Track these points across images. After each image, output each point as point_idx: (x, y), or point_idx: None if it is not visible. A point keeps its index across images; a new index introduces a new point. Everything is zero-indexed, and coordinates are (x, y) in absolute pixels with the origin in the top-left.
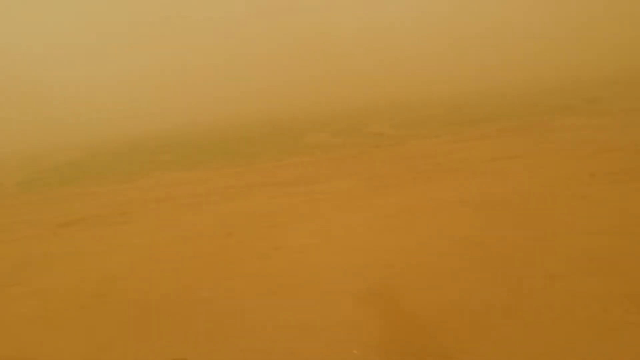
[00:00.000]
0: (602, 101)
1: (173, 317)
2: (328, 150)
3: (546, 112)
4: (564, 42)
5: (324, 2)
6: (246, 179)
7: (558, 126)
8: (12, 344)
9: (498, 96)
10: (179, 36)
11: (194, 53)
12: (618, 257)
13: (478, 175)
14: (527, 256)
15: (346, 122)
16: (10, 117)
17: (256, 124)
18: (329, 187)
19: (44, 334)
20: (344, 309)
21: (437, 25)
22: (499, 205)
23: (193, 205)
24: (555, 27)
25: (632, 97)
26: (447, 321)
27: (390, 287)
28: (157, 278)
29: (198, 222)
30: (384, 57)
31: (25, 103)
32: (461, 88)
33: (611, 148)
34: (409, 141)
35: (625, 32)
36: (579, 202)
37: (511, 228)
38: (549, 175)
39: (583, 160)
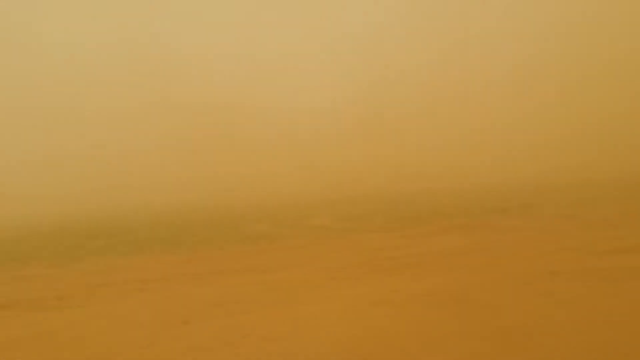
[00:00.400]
0: (534, 206)
1: None
2: (272, 241)
3: (484, 214)
4: (496, 147)
5: (263, 93)
6: (192, 267)
7: (498, 227)
8: None
9: (433, 195)
10: (113, 114)
11: (127, 133)
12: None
13: (435, 270)
14: (505, 353)
15: (285, 213)
16: None
17: (191, 212)
18: (285, 276)
19: None
20: None
21: (376, 123)
22: (465, 300)
23: (137, 292)
24: (486, 131)
25: (561, 203)
26: None
27: None
28: None
29: (148, 308)
30: (320, 151)
31: None
32: (396, 186)
33: (555, 249)
34: (352, 234)
35: (554, 140)
36: (546, 300)
37: (481, 323)
38: (508, 272)
39: (535, 260)
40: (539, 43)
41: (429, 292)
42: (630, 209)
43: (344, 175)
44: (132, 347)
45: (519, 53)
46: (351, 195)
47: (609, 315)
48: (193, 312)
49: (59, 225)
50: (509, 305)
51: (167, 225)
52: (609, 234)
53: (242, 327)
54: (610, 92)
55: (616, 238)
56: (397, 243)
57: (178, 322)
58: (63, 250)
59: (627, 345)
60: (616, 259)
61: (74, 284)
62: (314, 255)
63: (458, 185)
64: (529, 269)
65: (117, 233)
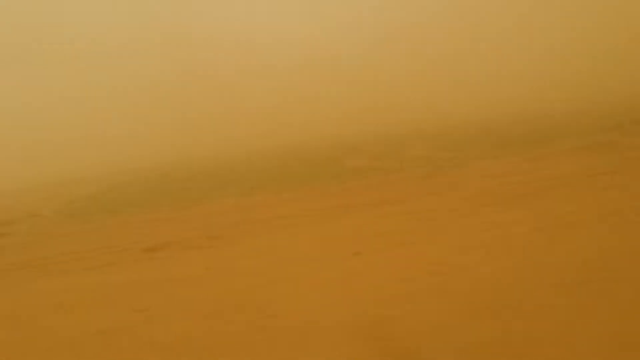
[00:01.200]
0: None
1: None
2: (382, 173)
3: (603, 132)
4: (602, 63)
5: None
6: (321, 202)
7: (621, 145)
8: None
9: (547, 117)
10: (230, 63)
11: (240, 82)
12: None
13: (586, 191)
14: None
15: (379, 146)
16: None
17: (285, 151)
18: (426, 205)
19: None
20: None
21: (479, 45)
22: None
23: (285, 227)
24: (587, 49)
25: None
26: None
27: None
28: (288, 300)
29: (305, 243)
30: (408, 81)
31: (38, 131)
32: (493, 112)
33: None
34: (467, 162)
35: None
36: None
37: None
38: None
39: None
40: None
41: (605, 212)
42: None
43: (419, 105)
44: (304, 281)
45: None
46: (446, 124)
47: None
48: (360, 244)
49: (161, 170)
50: None
51: (273, 165)
52: None
53: (417, 258)
54: None
55: None
56: (522, 168)
57: (349, 253)
58: (184, 193)
59: None
60: None
61: (218, 223)
62: (438, 184)
63: (561, 105)
64: None
65: (228, 174)
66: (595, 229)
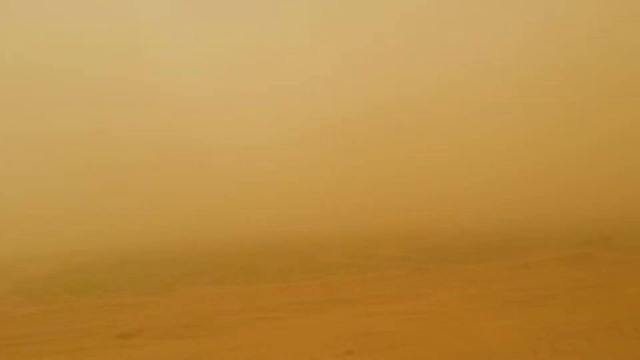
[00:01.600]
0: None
1: None
2: (361, 271)
3: (587, 245)
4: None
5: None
6: (299, 296)
7: (601, 259)
8: None
9: (520, 229)
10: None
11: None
12: None
13: (579, 302)
14: None
15: (354, 244)
16: None
17: (254, 242)
18: (411, 307)
19: None
20: None
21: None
22: None
23: (267, 320)
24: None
25: None
26: None
27: None
28: None
29: (291, 337)
30: (379, 184)
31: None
32: (465, 220)
33: None
34: (447, 266)
35: None
36: None
37: None
38: None
39: None
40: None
41: (602, 325)
42: None
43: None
44: None
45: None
46: (409, 229)
47: None
48: (350, 343)
49: (122, 255)
50: None
51: (243, 256)
52: None
53: None
54: None
55: None
56: (505, 275)
57: (341, 352)
58: (148, 280)
59: None
60: None
61: (191, 312)
62: (420, 285)
63: (526, 219)
64: None
65: (191, 261)
66: (596, 342)
